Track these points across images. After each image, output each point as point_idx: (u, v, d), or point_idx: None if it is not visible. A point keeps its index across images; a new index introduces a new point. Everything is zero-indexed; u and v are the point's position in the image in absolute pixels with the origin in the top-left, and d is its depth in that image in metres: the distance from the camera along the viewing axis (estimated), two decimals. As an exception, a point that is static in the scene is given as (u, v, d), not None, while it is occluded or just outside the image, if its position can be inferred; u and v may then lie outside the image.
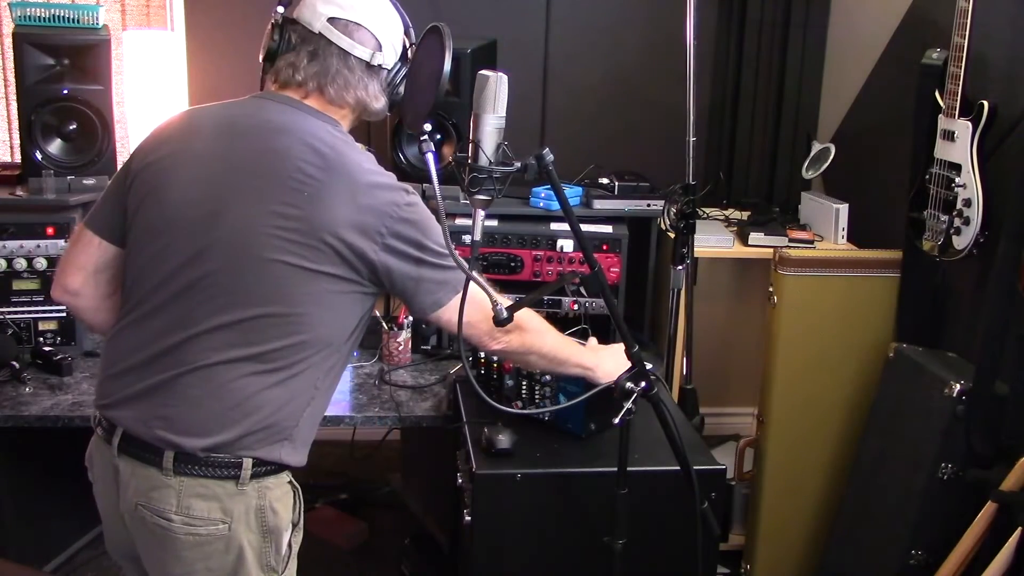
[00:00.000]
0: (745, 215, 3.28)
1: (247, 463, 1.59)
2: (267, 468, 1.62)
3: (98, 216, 1.74)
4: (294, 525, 1.69)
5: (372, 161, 1.68)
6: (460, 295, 1.63)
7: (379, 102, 1.74)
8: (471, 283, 1.63)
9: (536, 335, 1.81)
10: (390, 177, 1.66)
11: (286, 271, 1.56)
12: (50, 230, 2.66)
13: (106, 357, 1.69)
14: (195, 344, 1.57)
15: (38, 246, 2.65)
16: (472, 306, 1.63)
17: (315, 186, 1.57)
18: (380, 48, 1.69)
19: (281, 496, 1.66)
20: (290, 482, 1.69)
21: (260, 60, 1.72)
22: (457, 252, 1.55)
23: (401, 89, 1.75)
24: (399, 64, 1.74)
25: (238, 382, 1.57)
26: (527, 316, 1.78)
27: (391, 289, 1.66)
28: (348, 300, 1.64)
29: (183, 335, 1.57)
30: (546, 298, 2.78)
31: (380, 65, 1.70)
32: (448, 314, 1.69)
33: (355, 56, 1.67)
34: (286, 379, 1.60)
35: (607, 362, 1.88)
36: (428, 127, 1.68)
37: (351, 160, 1.63)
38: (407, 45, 1.76)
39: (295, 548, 1.72)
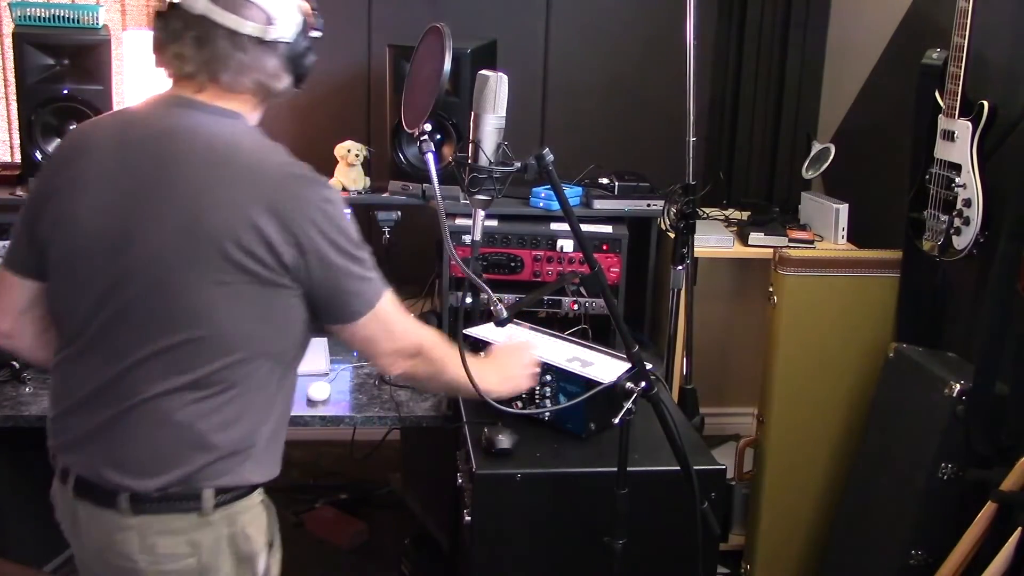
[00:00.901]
0: (745, 215, 3.28)
1: (207, 494, 1.51)
2: (234, 493, 1.54)
3: (14, 255, 1.63)
4: (270, 545, 1.62)
5: (282, 153, 1.55)
6: (381, 308, 1.57)
7: (282, 80, 1.58)
8: (384, 299, 1.58)
9: (440, 364, 1.70)
10: (305, 168, 1.54)
11: (203, 289, 1.46)
12: (50, 230, 2.66)
13: (51, 395, 1.61)
14: (130, 378, 1.49)
15: (38, 246, 2.65)
16: (383, 326, 1.57)
17: (216, 191, 1.46)
18: (272, 21, 1.53)
19: (253, 519, 1.58)
20: (261, 501, 1.61)
21: (152, 54, 1.58)
22: (457, 252, 1.55)
23: (307, 61, 1.62)
24: (301, 34, 1.59)
25: (181, 413, 1.48)
26: (434, 342, 1.69)
27: (306, 293, 1.54)
28: (279, 306, 1.52)
29: (116, 369, 1.49)
30: (546, 298, 2.78)
31: (277, 40, 1.54)
32: (363, 331, 1.59)
33: (245, 34, 1.51)
34: (231, 400, 1.51)
35: (495, 386, 1.81)
36: (428, 127, 1.65)
37: (255, 155, 1.52)
38: (307, 12, 1.61)
39: (275, 569, 1.65)
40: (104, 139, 1.56)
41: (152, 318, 1.48)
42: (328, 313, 1.57)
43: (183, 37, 1.51)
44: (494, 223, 2.79)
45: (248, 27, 1.51)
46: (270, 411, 1.57)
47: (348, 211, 1.58)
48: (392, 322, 1.60)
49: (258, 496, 1.60)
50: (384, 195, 2.92)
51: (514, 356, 1.94)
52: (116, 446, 1.51)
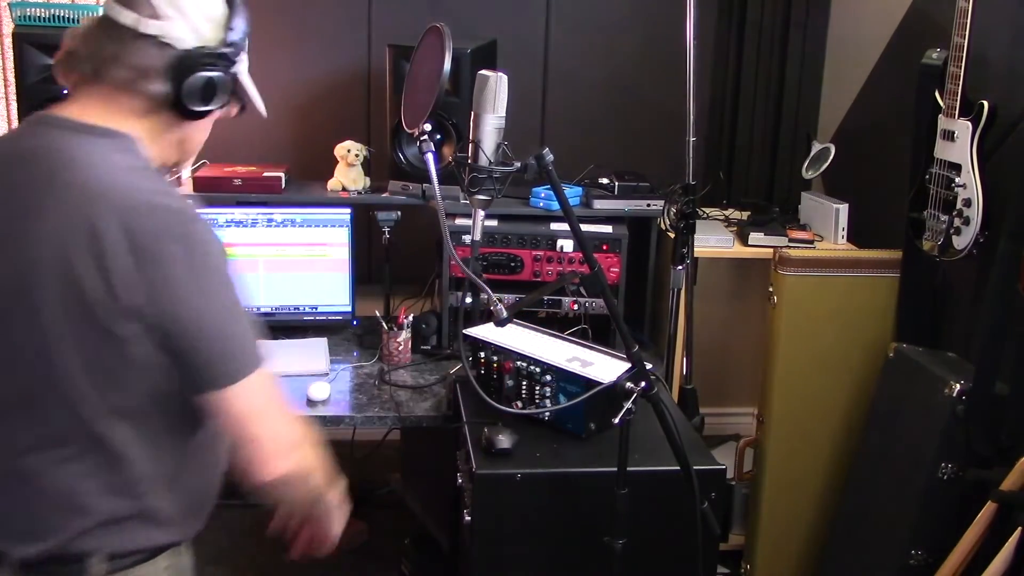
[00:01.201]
0: (745, 215, 3.28)
1: (94, 560, 1.37)
2: (132, 559, 1.40)
3: None
4: None
5: (155, 181, 1.38)
6: (256, 379, 1.34)
7: (153, 82, 1.37)
8: (265, 372, 1.36)
9: (314, 461, 1.48)
10: (179, 201, 1.36)
11: (37, 334, 1.31)
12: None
13: None
14: None
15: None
16: (264, 402, 1.36)
17: (55, 221, 1.30)
18: (158, 15, 1.35)
19: None
20: (168, 567, 1.45)
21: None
22: (457, 252, 1.53)
23: (200, 75, 1.39)
24: (205, 47, 1.39)
25: (52, 474, 1.35)
26: (311, 434, 1.48)
27: (165, 345, 1.32)
28: (124, 358, 1.31)
29: None
30: (546, 298, 2.78)
31: (159, 37, 1.36)
32: (237, 404, 1.35)
33: (120, 23, 1.36)
34: (109, 462, 1.36)
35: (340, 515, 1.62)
36: (428, 127, 1.64)
37: (113, 180, 1.32)
38: (231, 27, 1.43)
39: None
40: None
41: (2, 371, 1.36)
42: (189, 376, 1.34)
43: (79, 34, 1.42)
44: (494, 223, 2.79)
45: (123, 15, 1.36)
46: (166, 472, 1.41)
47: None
48: (276, 401, 1.39)
49: (165, 560, 1.44)
50: (384, 195, 2.92)
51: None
52: None
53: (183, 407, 1.38)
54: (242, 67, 1.47)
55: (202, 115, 1.43)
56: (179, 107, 1.39)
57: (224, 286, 1.35)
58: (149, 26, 1.36)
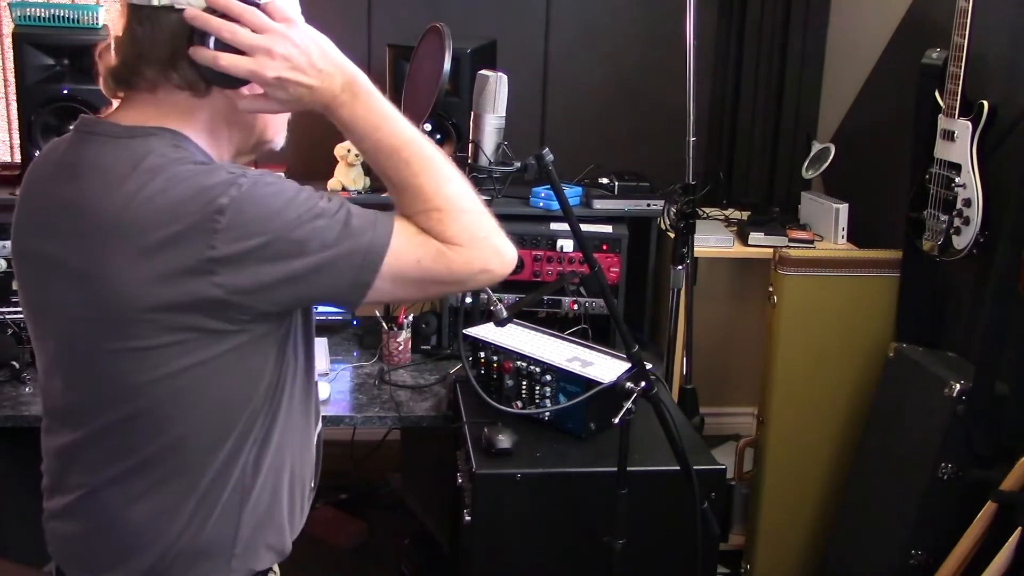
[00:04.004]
0: (745, 215, 3.28)
1: None
2: None
3: None
4: None
5: (185, 162, 1.16)
6: (389, 257, 1.20)
7: (177, 66, 1.18)
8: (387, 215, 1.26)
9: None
10: (203, 176, 1.15)
11: (113, 362, 1.18)
12: (50, 230, 2.65)
13: None
14: (72, 464, 1.28)
15: (38, 246, 2.64)
16: (412, 244, 1.23)
17: (102, 238, 1.15)
18: None
19: None
20: None
21: None
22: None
23: (206, 42, 1.15)
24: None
25: (130, 508, 1.25)
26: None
27: (295, 305, 1.26)
28: (221, 367, 1.20)
29: (64, 456, 1.30)
30: (546, 298, 2.78)
31: (171, 5, 1.16)
32: (381, 291, 1.21)
33: (138, 4, 1.16)
34: (187, 490, 1.24)
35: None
36: (428, 127, 1.63)
37: (147, 185, 1.14)
38: None
39: None
40: (28, 180, 1.31)
41: (76, 401, 1.26)
42: (341, 303, 1.25)
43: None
44: (494, 223, 2.78)
45: None
46: (245, 494, 1.29)
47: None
48: (412, 235, 1.32)
49: None
50: (384, 195, 2.88)
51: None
52: (74, 536, 1.32)
53: (280, 400, 1.28)
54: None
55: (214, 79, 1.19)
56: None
57: (281, 216, 1.16)
58: None
